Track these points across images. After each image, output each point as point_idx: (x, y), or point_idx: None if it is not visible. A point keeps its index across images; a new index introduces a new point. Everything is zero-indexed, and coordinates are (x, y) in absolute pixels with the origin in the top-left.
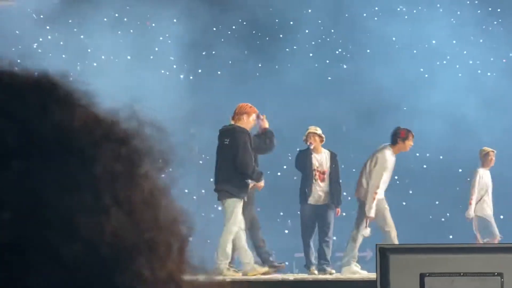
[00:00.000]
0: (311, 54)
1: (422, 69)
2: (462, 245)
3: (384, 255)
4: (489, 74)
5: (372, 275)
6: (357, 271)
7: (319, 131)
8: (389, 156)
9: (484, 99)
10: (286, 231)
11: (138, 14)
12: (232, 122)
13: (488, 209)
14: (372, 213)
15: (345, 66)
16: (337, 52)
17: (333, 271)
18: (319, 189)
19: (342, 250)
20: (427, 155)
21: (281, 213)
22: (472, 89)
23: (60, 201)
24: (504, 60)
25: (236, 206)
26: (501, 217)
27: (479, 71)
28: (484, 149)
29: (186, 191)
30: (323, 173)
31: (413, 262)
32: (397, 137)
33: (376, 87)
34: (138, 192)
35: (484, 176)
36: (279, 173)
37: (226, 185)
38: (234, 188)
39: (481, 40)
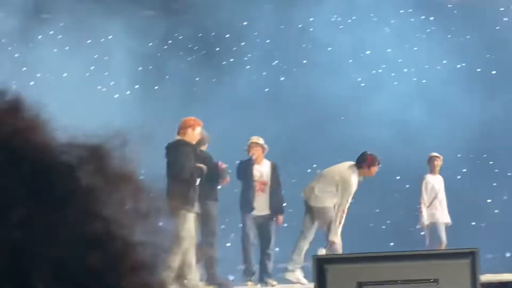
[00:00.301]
0: (248, 67)
1: (359, 79)
2: (398, 253)
3: (320, 265)
4: (424, 81)
5: (312, 285)
6: (300, 279)
7: (261, 141)
8: (355, 181)
9: (420, 106)
10: (228, 244)
11: (73, 31)
12: (178, 137)
13: (438, 215)
14: (336, 238)
15: (282, 78)
16: (273, 63)
17: (275, 282)
18: (260, 200)
19: (284, 261)
20: None
21: (223, 226)
22: (408, 96)
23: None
24: (438, 67)
25: (184, 219)
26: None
27: (414, 79)
28: (429, 154)
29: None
30: (264, 184)
31: (350, 272)
32: (363, 162)
33: (313, 97)
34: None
35: (431, 182)
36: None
37: (174, 199)
38: (182, 201)
39: (415, 48)
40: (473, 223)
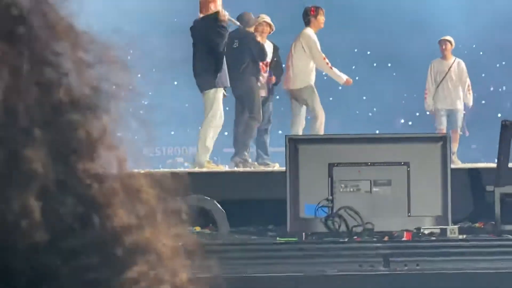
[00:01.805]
0: None
1: None
2: (370, 135)
3: (293, 146)
4: None
5: (283, 168)
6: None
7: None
8: (314, 37)
9: None
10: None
11: None
12: (201, 15)
13: (439, 102)
14: (343, 76)
15: None
16: None
17: (270, 162)
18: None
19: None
20: None
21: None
22: None
23: None
24: None
25: (216, 97)
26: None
27: None
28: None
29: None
30: (266, 65)
31: (322, 152)
32: (309, 16)
33: None
34: None
35: (437, 67)
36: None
37: (204, 76)
38: (212, 78)
39: None
40: None
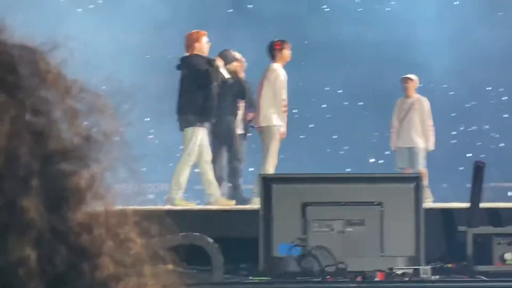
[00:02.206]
0: None
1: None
2: (343, 175)
3: (267, 184)
4: None
5: (257, 206)
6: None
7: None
8: (282, 72)
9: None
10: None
11: None
12: (187, 54)
13: (400, 140)
14: (283, 128)
15: None
16: None
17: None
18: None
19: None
20: None
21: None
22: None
23: None
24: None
25: (194, 136)
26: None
27: None
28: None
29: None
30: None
31: (296, 192)
32: (274, 50)
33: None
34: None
35: (400, 105)
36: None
37: (186, 113)
38: (194, 116)
39: None
40: None
